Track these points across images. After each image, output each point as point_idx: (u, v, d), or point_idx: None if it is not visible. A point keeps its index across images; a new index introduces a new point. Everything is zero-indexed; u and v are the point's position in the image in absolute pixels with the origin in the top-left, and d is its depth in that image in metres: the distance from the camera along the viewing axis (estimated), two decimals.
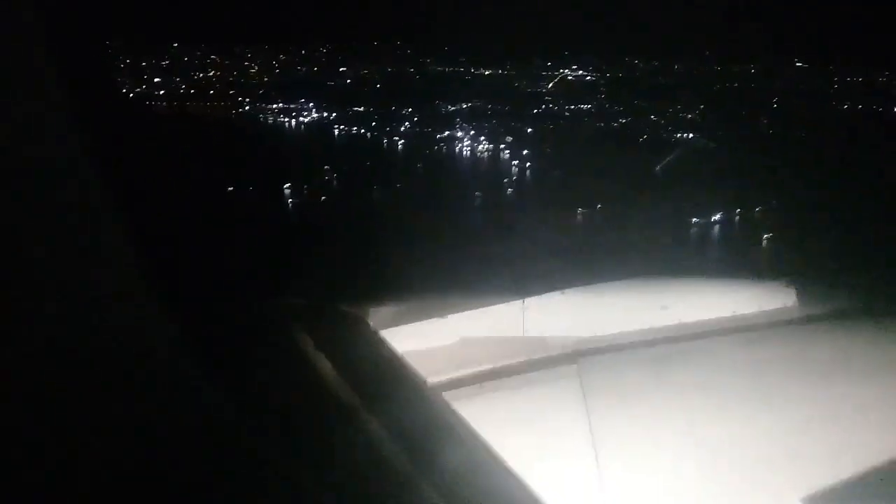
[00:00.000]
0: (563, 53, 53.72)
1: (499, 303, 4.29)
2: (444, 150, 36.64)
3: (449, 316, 4.15)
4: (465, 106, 43.77)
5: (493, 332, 4.28)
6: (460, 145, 37.34)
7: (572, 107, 44.76)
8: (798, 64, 53.00)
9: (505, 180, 33.20)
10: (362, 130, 37.74)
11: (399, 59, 53.01)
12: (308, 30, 54.61)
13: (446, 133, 38.31)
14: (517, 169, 35.09)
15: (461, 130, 38.83)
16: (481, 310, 4.24)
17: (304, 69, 49.06)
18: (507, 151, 36.76)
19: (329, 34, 55.04)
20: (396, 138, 37.17)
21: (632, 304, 4.52)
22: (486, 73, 52.73)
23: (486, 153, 36.98)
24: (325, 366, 2.61)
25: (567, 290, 4.42)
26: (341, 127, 37.89)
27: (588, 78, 51.57)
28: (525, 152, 36.65)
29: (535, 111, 44.34)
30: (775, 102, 45.27)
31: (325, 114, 39.30)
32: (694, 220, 29.31)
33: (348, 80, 48.05)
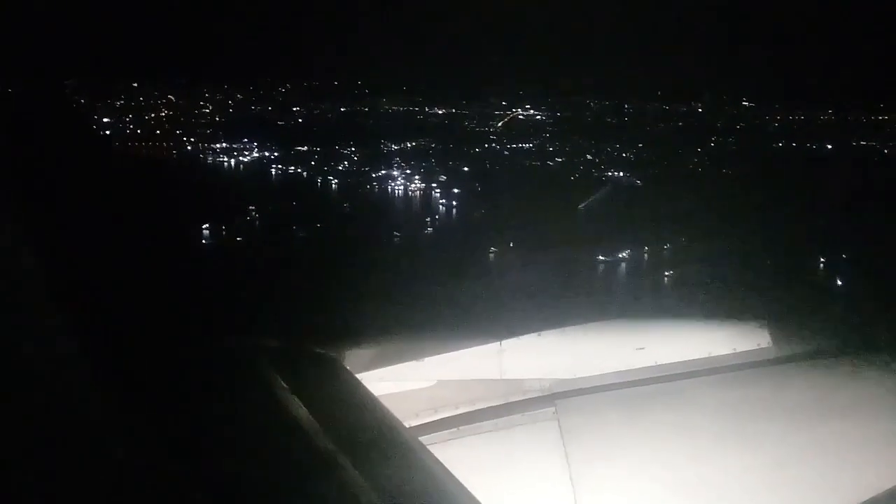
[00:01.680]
0: (519, 92, 55.08)
1: (475, 345, 4.23)
2: (375, 190, 37.59)
3: (425, 359, 4.09)
4: (409, 145, 44.87)
5: (470, 374, 4.21)
6: (393, 184, 38.32)
7: (514, 146, 45.83)
8: (744, 102, 54.31)
9: (427, 219, 34.12)
10: (299, 170, 38.71)
11: (354, 97, 54.22)
12: (268, 69, 55.82)
13: (382, 172, 39.27)
14: (443, 208, 36.05)
15: (397, 169, 39.81)
16: (458, 352, 4.19)
17: (257, 108, 50.29)
18: (438, 191, 37.73)
19: (288, 73, 56.41)
20: (331, 178, 38.14)
21: (608, 345, 4.48)
22: (440, 111, 53.92)
23: (417, 192, 37.95)
24: (300, 410, 2.55)
25: (543, 332, 4.37)
26: (278, 167, 38.84)
27: (538, 117, 52.79)
28: (455, 191, 37.63)
29: (477, 150, 45.41)
30: (712, 140, 46.32)
31: (267, 153, 40.29)
32: (600, 257, 30.10)
33: (300, 120, 49.22)
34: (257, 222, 31.56)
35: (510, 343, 4.24)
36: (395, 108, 54.19)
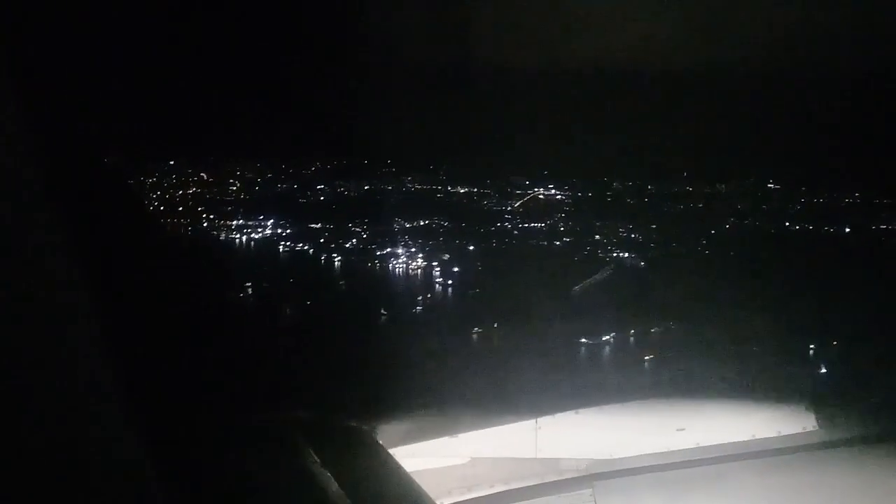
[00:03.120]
0: (544, 172, 55.71)
1: (511, 422, 3.68)
2: (377, 268, 38.39)
3: (459, 435, 3.60)
4: (422, 223, 45.79)
5: (505, 452, 3.66)
6: (395, 262, 39.07)
7: (525, 225, 46.23)
8: (770, 185, 53.67)
9: (419, 298, 34.64)
10: (307, 247, 39.89)
11: (379, 176, 55.71)
12: (303, 147, 57.99)
13: (388, 250, 40.13)
14: (440, 287, 36.54)
15: (403, 247, 40.62)
16: (493, 429, 3.70)
17: (283, 187, 52.20)
18: (438, 269, 38.29)
19: (321, 151, 58.37)
20: (335, 255, 39.16)
21: (648, 425, 3.70)
22: (462, 190, 54.88)
23: (417, 270, 38.59)
24: (332, 485, 2.51)
25: (581, 410, 3.66)
26: (287, 244, 40.12)
27: (558, 197, 53.22)
28: (455, 269, 38.15)
29: (492, 229, 45.98)
30: (728, 223, 45.84)
31: (280, 230, 41.70)
32: (582, 339, 30.04)
33: (321, 198, 50.82)
34: (250, 298, 32.59)
35: (546, 420, 3.93)
36: (419, 186, 55.44)
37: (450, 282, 36.53)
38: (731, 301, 32.51)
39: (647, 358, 28.26)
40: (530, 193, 54.61)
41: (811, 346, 29.43)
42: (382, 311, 31.88)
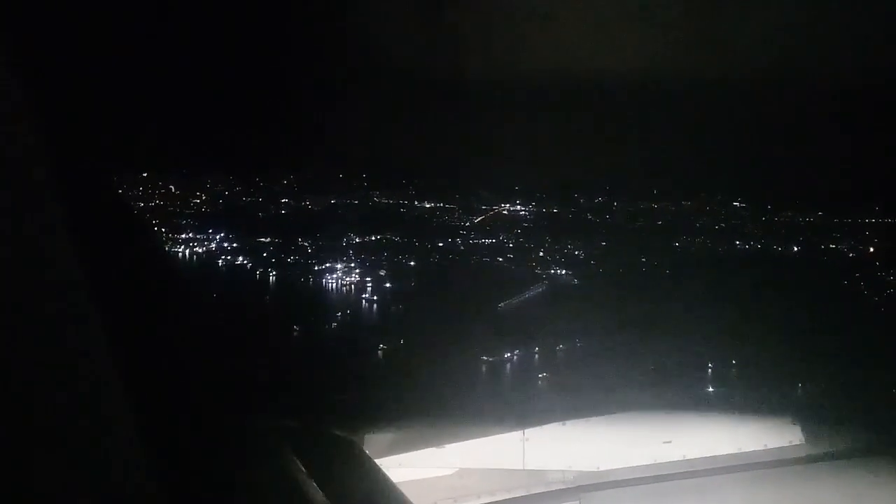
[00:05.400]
0: (514, 188, 55.81)
1: (499, 433, 4.16)
2: (309, 283, 38.88)
3: (447, 446, 4.04)
4: (373, 238, 46.15)
5: (492, 463, 4.13)
6: (330, 277, 39.54)
7: (474, 241, 46.41)
8: (735, 203, 53.10)
9: (338, 314, 35.06)
10: (245, 261, 40.48)
11: (348, 191, 56.09)
12: (274, 161, 58.72)
13: (326, 265, 40.60)
14: (365, 304, 36.93)
15: (343, 263, 41.07)
16: (481, 440, 4.15)
17: (247, 200, 52.88)
18: (370, 285, 38.69)
19: (293, 166, 59.02)
20: (270, 270, 39.71)
21: (634, 438, 4.38)
22: (428, 206, 55.13)
23: (350, 286, 39.02)
24: (317, 495, 2.47)
25: (568, 422, 4.30)
26: (227, 257, 40.72)
27: (522, 212, 53.26)
28: (388, 285, 38.52)
29: (439, 245, 46.19)
30: (677, 242, 45.57)
31: (226, 244, 42.35)
32: (483, 357, 30.16)
33: (283, 212, 51.42)
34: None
35: (534, 432, 4.22)
36: (385, 201, 55.77)
37: (375, 298, 36.86)
38: (648, 318, 32.37)
39: (541, 376, 28.31)
40: (495, 209, 54.76)
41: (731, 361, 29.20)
42: (295, 326, 32.32)
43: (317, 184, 57.00)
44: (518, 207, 53.60)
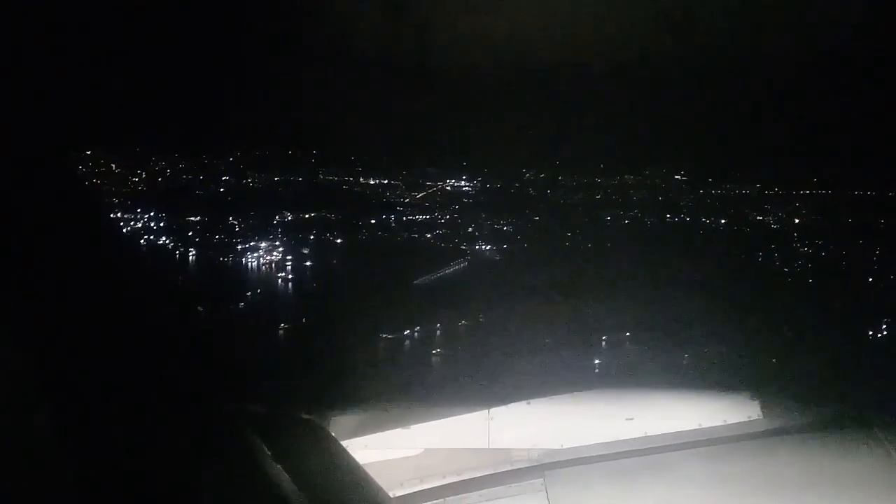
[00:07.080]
0: (462, 164, 55.39)
1: (464, 413, 4.25)
2: (228, 262, 38.66)
3: (412, 426, 4.12)
4: (307, 216, 45.78)
5: (457, 443, 4.21)
6: (250, 256, 39.34)
7: (406, 219, 46.13)
8: (677, 177, 52.74)
9: (248, 294, 34.91)
10: (167, 241, 40.22)
11: (294, 167, 55.53)
12: (221, 138, 58.17)
13: (250, 244, 40.36)
14: (281, 282, 36.77)
15: (268, 241, 40.82)
16: (446, 420, 4.21)
17: (187, 177, 52.36)
18: (290, 263, 38.51)
19: (241, 143, 58.48)
20: (192, 249, 39.48)
21: (597, 415, 4.46)
22: (373, 182, 54.69)
23: (270, 264, 38.83)
24: (284, 477, 2.51)
25: (532, 401, 4.36)
26: (149, 237, 40.45)
27: (464, 188, 52.91)
28: (308, 263, 38.34)
29: (371, 221, 45.87)
30: (609, 216, 45.38)
31: (153, 223, 42.08)
32: (383, 335, 30.05)
33: (221, 189, 50.94)
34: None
35: (499, 411, 4.28)
36: (330, 177, 55.29)
37: (291, 276, 36.69)
38: (563, 292, 32.22)
39: (434, 352, 28.22)
40: (440, 185, 54.40)
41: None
42: (200, 307, 32.10)
43: (262, 161, 56.66)
44: (462, 183, 53.31)
